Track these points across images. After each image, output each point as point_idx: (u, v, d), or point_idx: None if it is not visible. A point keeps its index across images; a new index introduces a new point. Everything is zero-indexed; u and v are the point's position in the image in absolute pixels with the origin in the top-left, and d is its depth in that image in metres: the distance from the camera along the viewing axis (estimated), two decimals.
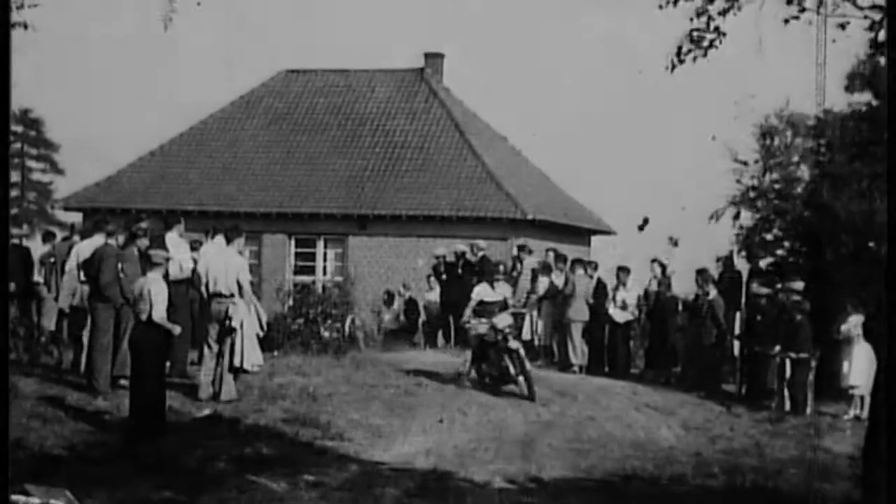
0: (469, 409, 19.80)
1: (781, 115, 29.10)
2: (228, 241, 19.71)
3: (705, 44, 16.58)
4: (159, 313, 17.03)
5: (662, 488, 15.98)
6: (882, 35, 16.70)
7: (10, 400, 12.57)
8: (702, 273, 23.91)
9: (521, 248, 27.35)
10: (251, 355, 19.03)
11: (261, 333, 19.48)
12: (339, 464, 16.32)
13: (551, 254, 26.35)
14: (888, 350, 12.43)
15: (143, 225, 20.51)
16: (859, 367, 21.02)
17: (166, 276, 18.00)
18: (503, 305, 21.43)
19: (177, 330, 17.50)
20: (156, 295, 17.09)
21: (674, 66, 16.99)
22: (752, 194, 28.52)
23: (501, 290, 21.68)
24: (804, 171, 28.38)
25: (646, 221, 30.46)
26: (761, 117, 29.39)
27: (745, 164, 28.68)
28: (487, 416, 19.53)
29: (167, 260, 17.94)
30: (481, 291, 21.63)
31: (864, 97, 28.11)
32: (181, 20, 18.07)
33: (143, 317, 17.10)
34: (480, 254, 26.94)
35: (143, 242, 19.62)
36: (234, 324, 18.79)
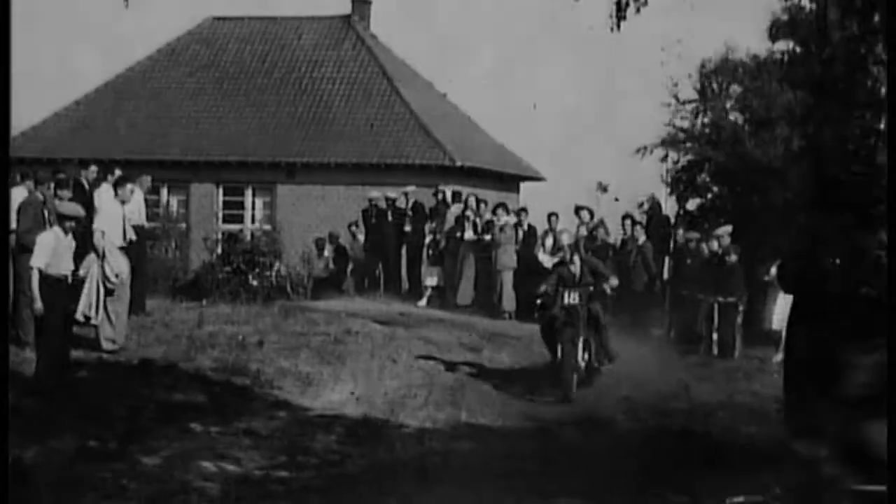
0: (399, 355, 19.80)
1: (721, 60, 29.21)
2: (115, 191, 19.76)
3: None
4: (35, 261, 16.77)
5: (592, 433, 16.06)
6: None
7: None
8: (628, 218, 24.08)
9: (454, 194, 27.23)
10: (83, 305, 18.76)
11: (109, 285, 19.16)
12: (270, 412, 16.30)
13: (472, 199, 26.37)
14: (888, 339, 12.09)
15: (62, 175, 20.30)
16: (781, 311, 21.17)
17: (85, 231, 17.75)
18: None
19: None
20: (39, 243, 16.95)
21: (619, 23, 16.94)
22: (681, 136, 28.58)
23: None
24: (736, 117, 28.53)
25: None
26: (688, 63, 29.45)
27: (684, 103, 28.72)
28: (417, 362, 19.55)
29: (74, 219, 17.41)
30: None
31: (786, 45, 28.21)
32: None
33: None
34: (412, 200, 27.02)
35: (66, 193, 19.42)
36: (81, 273, 18.60)
